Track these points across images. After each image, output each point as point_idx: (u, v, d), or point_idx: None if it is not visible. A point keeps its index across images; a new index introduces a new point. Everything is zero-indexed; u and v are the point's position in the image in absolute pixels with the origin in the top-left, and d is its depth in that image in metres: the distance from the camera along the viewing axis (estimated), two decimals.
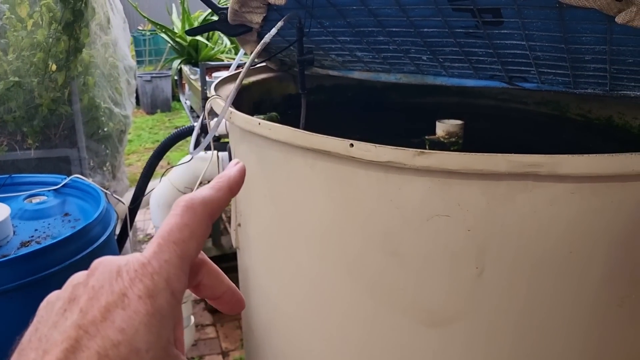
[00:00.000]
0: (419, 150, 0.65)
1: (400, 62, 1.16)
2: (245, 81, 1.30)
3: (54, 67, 1.57)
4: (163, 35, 3.42)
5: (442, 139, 1.12)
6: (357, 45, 1.10)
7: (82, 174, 1.68)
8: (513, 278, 0.72)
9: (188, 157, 1.25)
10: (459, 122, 1.12)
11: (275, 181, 0.88)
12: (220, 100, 0.94)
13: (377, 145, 0.67)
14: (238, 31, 1.11)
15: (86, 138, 1.69)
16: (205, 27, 1.11)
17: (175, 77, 3.52)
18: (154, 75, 6.31)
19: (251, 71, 1.35)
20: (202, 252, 0.29)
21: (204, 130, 1.25)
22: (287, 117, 1.18)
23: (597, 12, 0.71)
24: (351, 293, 0.82)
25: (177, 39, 3.35)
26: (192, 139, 1.06)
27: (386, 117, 1.52)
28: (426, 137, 1.12)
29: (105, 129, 1.75)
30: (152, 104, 6.41)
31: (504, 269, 0.72)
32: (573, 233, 0.70)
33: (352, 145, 0.68)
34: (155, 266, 0.24)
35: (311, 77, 1.39)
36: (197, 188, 1.30)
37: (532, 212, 0.68)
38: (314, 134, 0.72)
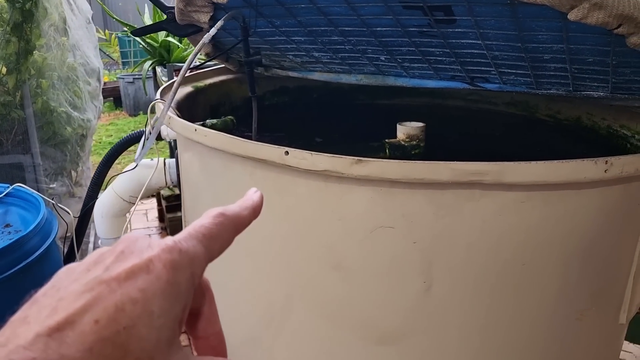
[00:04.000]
0: (357, 158, 0.60)
1: (359, 63, 1.11)
2: (201, 83, 1.25)
3: (4, 69, 1.49)
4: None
5: (402, 142, 1.07)
6: (313, 45, 1.05)
7: (36, 181, 1.60)
8: (463, 292, 0.68)
9: (133, 164, 1.20)
10: (420, 124, 1.07)
11: (218, 190, 0.82)
12: (163, 105, 0.89)
13: (313, 152, 0.62)
14: (188, 31, 1.06)
15: (41, 143, 1.62)
16: (153, 27, 1.05)
17: (150, 79, 3.45)
18: (136, 76, 6.17)
19: (208, 73, 1.30)
20: (208, 280, 0.30)
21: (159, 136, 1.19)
22: (247, 121, 1.12)
23: (550, 9, 0.67)
24: (297, 309, 0.76)
25: (149, 40, 3.28)
26: (140, 145, 1.00)
27: (352, 119, 1.47)
28: (386, 140, 1.07)
29: (63, 134, 1.68)
30: (135, 106, 6.27)
31: (453, 283, 0.67)
32: (525, 244, 0.65)
33: (287, 153, 0.63)
34: (184, 246, 0.26)
35: (274, 78, 1.34)
36: (141, 196, 1.23)
37: (481, 223, 0.63)
38: (249, 141, 0.67)
